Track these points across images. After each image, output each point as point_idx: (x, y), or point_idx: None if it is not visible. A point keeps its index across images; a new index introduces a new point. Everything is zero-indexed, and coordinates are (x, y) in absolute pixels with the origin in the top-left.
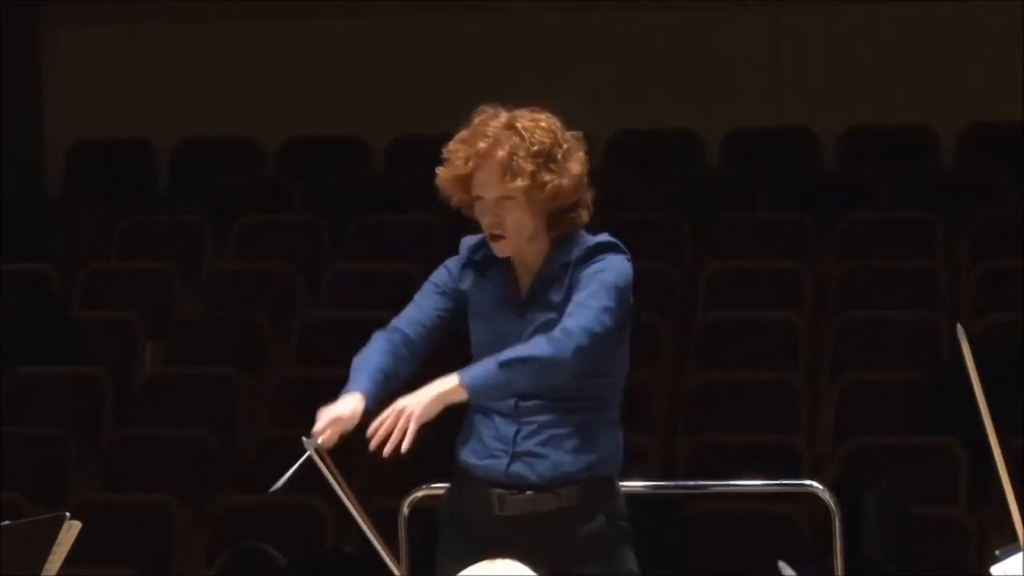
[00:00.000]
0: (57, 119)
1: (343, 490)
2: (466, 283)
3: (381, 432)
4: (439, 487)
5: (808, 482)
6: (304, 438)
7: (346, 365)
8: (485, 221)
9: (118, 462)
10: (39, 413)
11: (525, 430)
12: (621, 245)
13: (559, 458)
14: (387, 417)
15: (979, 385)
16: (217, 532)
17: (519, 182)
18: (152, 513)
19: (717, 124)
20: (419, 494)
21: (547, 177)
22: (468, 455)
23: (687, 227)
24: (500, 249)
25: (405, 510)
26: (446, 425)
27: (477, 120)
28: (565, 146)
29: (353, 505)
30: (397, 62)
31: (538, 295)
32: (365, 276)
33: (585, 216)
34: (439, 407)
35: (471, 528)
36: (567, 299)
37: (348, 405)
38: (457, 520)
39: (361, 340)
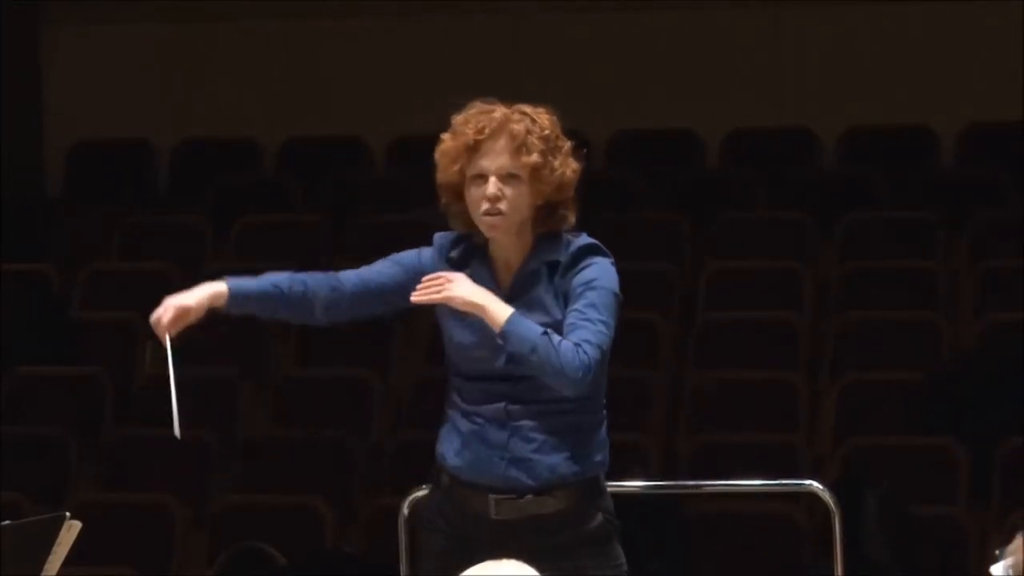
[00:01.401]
0: (57, 119)
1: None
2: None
3: (423, 286)
4: None
5: (808, 482)
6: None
7: (346, 365)
8: (484, 195)
9: (118, 462)
10: (39, 413)
11: (517, 435)
12: (603, 247)
13: (554, 461)
14: (438, 278)
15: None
16: (217, 532)
17: (534, 157)
18: (152, 513)
19: (717, 124)
20: (419, 494)
21: (556, 162)
22: (456, 460)
23: (687, 227)
24: (494, 226)
25: (405, 510)
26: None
27: (476, 106)
28: (566, 143)
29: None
30: (397, 62)
31: (521, 291)
32: None
33: (572, 218)
34: (473, 308)
35: (462, 532)
36: (556, 302)
37: (197, 296)
38: (444, 524)
39: (361, 340)
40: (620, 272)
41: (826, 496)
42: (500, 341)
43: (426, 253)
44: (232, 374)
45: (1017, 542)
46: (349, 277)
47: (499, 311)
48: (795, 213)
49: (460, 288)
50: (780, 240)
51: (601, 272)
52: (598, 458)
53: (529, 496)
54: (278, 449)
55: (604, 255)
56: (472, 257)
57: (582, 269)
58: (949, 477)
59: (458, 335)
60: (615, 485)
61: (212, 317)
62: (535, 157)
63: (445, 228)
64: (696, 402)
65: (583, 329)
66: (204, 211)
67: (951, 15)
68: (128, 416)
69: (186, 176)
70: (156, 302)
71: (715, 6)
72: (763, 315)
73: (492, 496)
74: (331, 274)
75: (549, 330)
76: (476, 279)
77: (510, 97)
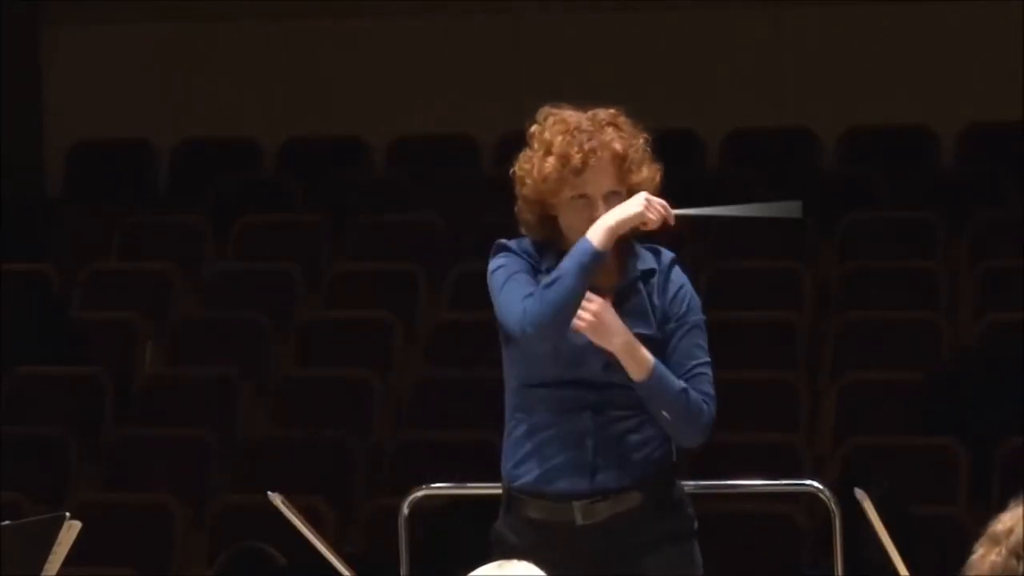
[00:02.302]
0: (57, 119)
1: (313, 535)
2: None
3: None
4: (439, 487)
5: (808, 482)
6: (269, 492)
7: (346, 365)
8: (591, 218)
9: (118, 462)
10: (39, 413)
11: (604, 443)
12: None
13: (633, 460)
14: (590, 301)
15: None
16: (217, 532)
17: (644, 172)
18: (152, 513)
19: (717, 124)
20: (419, 494)
21: (648, 173)
22: (533, 475)
23: (687, 227)
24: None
25: (405, 510)
26: (445, 425)
27: (558, 116)
28: (648, 145)
29: (326, 548)
30: (397, 62)
31: (626, 298)
32: (365, 276)
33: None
34: (610, 347)
35: (542, 555)
36: (653, 314)
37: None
38: (522, 548)
39: (361, 340)
40: None
41: (826, 496)
42: (633, 385)
43: (513, 260)
44: (232, 374)
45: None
46: None
47: (641, 360)
48: None
49: (605, 328)
50: (780, 240)
51: (692, 293)
52: (670, 452)
53: (612, 495)
54: (278, 449)
55: (678, 262)
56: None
57: (679, 289)
58: (949, 477)
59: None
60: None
61: (210, 317)
62: (644, 172)
63: (444, 228)
64: None
65: (704, 379)
66: (204, 211)
67: (951, 15)
68: (128, 416)
69: (186, 176)
70: (156, 302)
71: (715, 6)
72: (763, 315)
73: (576, 503)
74: None
75: (688, 388)
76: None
77: (511, 97)
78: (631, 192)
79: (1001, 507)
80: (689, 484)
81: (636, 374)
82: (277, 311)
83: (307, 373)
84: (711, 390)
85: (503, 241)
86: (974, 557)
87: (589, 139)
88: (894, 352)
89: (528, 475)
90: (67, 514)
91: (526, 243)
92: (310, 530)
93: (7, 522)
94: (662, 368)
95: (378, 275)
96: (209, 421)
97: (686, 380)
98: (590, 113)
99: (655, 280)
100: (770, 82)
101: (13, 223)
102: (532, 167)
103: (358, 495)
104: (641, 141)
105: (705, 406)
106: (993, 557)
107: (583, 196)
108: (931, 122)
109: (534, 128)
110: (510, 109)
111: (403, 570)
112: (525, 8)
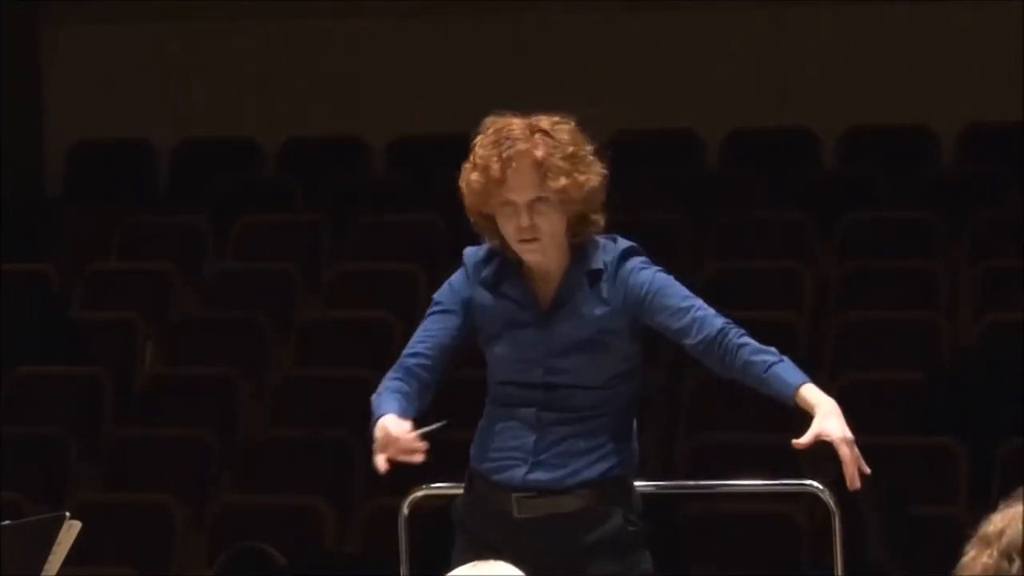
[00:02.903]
0: (57, 119)
1: None
2: (477, 297)
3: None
4: (439, 487)
5: (808, 482)
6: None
7: (346, 365)
8: (516, 226)
9: (118, 462)
10: (39, 413)
11: (546, 440)
12: (640, 249)
13: (577, 466)
14: (850, 455)
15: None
16: (217, 532)
17: (561, 181)
18: (152, 513)
19: (717, 124)
20: (419, 494)
21: (582, 177)
22: (484, 463)
23: (687, 227)
24: (532, 252)
25: (405, 510)
26: (445, 425)
27: (495, 126)
28: (587, 147)
29: None
30: (397, 62)
31: (563, 304)
32: (365, 276)
33: (601, 222)
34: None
35: (486, 536)
36: (600, 309)
37: (390, 425)
38: (470, 528)
39: (361, 340)
40: None
41: (826, 496)
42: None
43: (457, 280)
44: (232, 374)
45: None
46: (429, 354)
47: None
48: (795, 213)
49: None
50: (780, 240)
51: (653, 271)
52: (624, 463)
53: (551, 495)
54: (278, 449)
55: (643, 256)
56: (506, 275)
57: (631, 273)
58: (949, 477)
59: (496, 350)
60: None
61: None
62: (561, 180)
63: (444, 228)
64: (696, 402)
65: (712, 315)
66: (204, 211)
67: (951, 15)
68: (128, 416)
69: (186, 176)
70: (156, 302)
71: (715, 6)
72: (763, 315)
73: (515, 495)
74: (413, 362)
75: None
76: (514, 297)
77: (511, 97)
78: (561, 198)
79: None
80: (689, 484)
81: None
82: (277, 311)
83: (307, 373)
84: (721, 318)
85: (466, 250)
86: (965, 559)
87: (509, 148)
88: (894, 352)
89: (477, 458)
90: (67, 514)
91: (483, 251)
92: None
93: (7, 522)
94: (806, 380)
95: (378, 275)
96: (209, 421)
97: (703, 324)
98: (530, 119)
99: (604, 276)
100: (770, 82)
101: (13, 223)
102: (464, 180)
103: (358, 495)
104: (572, 149)
105: (736, 328)
106: (985, 559)
107: (509, 203)
108: (931, 122)
109: (475, 139)
110: (510, 109)
111: (403, 570)
112: (525, 8)
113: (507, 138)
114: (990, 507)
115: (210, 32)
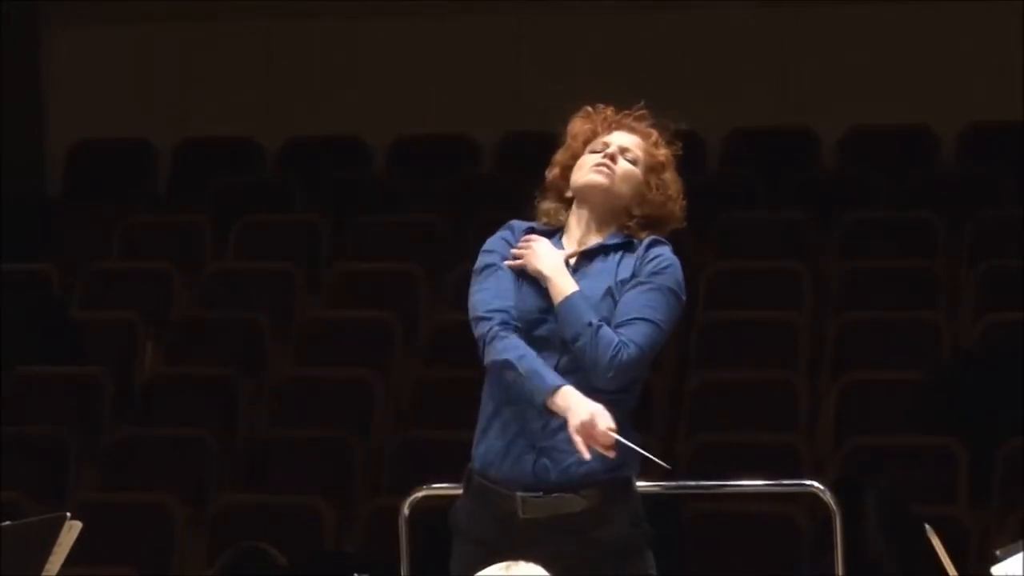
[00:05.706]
0: (57, 119)
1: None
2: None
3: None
4: (439, 487)
5: (808, 482)
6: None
7: (346, 365)
8: (601, 154)
9: (118, 462)
10: (39, 413)
11: (553, 424)
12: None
13: (581, 461)
14: (526, 243)
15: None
16: (217, 532)
17: (661, 153)
18: (152, 513)
19: (717, 124)
20: (419, 494)
21: (666, 191)
22: (489, 462)
23: (688, 227)
24: (600, 173)
25: (405, 510)
26: (445, 425)
27: (585, 112)
28: (679, 185)
29: None
30: (397, 62)
31: (582, 264)
32: (365, 276)
33: (645, 235)
34: (539, 275)
35: (488, 539)
36: (616, 278)
37: (599, 419)
38: (471, 532)
39: (361, 340)
40: None
41: (826, 496)
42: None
43: (503, 240)
44: (232, 374)
45: None
46: (513, 313)
47: (563, 285)
48: (795, 213)
49: (536, 254)
50: (780, 240)
51: (671, 267)
52: (628, 460)
53: (556, 494)
54: (278, 449)
55: (670, 255)
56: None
57: (656, 256)
58: (949, 477)
59: (522, 298)
60: None
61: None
62: (661, 155)
63: (445, 228)
64: (696, 402)
65: (635, 327)
66: (204, 211)
67: (951, 15)
68: (128, 416)
69: (186, 176)
70: (156, 302)
71: (716, 6)
72: (763, 315)
73: (519, 495)
74: (514, 323)
75: (602, 322)
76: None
77: (511, 97)
78: (647, 174)
79: (1001, 507)
80: (690, 484)
81: (555, 298)
82: (277, 311)
83: (307, 373)
84: (640, 340)
85: (513, 221)
86: None
87: (614, 115)
88: (894, 352)
89: (479, 455)
90: (67, 514)
91: (527, 225)
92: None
93: (7, 522)
94: (580, 299)
95: (378, 275)
96: (209, 421)
97: (620, 325)
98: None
99: (633, 250)
100: (770, 82)
101: (13, 223)
102: (570, 126)
103: (358, 495)
104: (671, 167)
105: (623, 348)
106: None
107: (604, 144)
108: (931, 122)
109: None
110: (510, 109)
111: (403, 570)
112: (525, 8)
113: (606, 116)
114: (990, 507)
115: (210, 32)
